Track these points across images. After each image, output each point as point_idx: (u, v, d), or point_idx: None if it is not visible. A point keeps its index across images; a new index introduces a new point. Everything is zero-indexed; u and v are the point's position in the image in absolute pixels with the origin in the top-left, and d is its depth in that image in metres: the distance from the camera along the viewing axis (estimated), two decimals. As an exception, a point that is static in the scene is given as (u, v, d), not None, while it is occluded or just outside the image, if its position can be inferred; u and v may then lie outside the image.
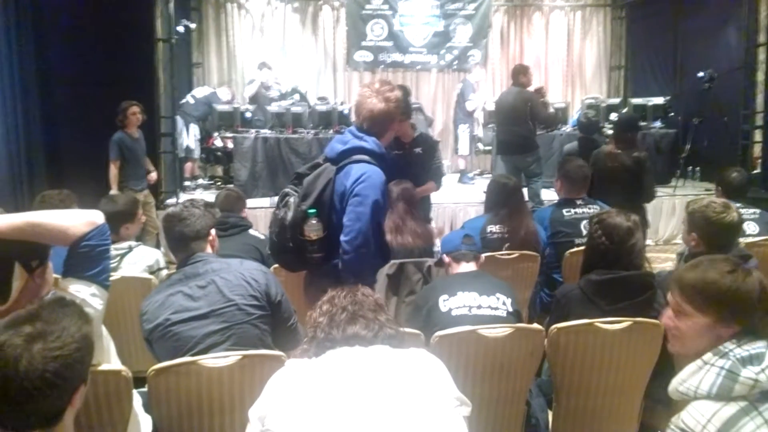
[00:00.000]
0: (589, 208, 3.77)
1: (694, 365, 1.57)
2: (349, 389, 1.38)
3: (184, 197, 6.59)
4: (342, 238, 2.45)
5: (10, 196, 5.33)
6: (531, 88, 6.47)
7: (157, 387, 1.97)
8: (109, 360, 2.00)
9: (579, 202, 3.83)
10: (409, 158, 4.44)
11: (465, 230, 2.73)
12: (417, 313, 2.57)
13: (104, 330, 1.98)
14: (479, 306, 2.46)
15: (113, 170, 5.61)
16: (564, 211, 3.79)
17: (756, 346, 1.50)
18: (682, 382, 1.57)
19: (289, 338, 2.34)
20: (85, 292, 1.78)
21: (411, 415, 1.35)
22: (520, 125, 6.45)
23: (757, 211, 3.93)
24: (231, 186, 7.41)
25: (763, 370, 1.45)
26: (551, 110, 7.56)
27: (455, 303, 2.47)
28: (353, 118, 2.68)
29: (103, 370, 1.86)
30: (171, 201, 6.71)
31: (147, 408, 2.14)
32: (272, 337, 2.28)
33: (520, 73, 6.45)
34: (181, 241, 2.34)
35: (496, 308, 2.47)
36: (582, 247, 3.43)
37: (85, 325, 1.39)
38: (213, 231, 2.42)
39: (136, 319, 2.34)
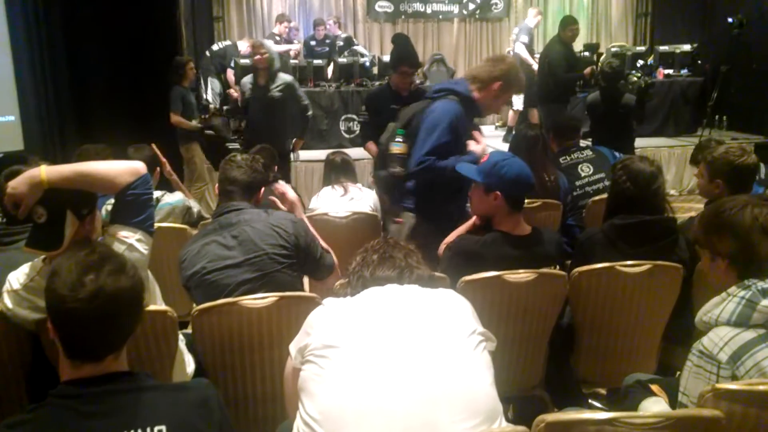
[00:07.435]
0: (582, 153, 3.92)
1: (719, 297, 1.66)
2: (383, 321, 1.48)
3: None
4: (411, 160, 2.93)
5: (42, 151, 5.46)
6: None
7: (200, 325, 2.10)
8: (156, 302, 2.14)
9: (572, 149, 3.97)
10: None
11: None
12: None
13: (150, 275, 2.10)
14: None
15: (182, 119, 5.82)
16: (560, 159, 3.91)
17: None
18: (706, 312, 1.67)
19: (319, 266, 2.46)
20: (132, 238, 1.89)
21: (439, 344, 1.45)
22: (541, 77, 6.45)
23: None
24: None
25: None
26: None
27: None
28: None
29: (151, 311, 1.99)
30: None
31: (189, 348, 2.28)
32: (303, 271, 2.42)
33: (559, 25, 6.38)
34: (233, 184, 2.44)
35: None
36: (599, 196, 3.50)
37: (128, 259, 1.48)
38: (262, 190, 2.55)
39: (174, 267, 2.45)
